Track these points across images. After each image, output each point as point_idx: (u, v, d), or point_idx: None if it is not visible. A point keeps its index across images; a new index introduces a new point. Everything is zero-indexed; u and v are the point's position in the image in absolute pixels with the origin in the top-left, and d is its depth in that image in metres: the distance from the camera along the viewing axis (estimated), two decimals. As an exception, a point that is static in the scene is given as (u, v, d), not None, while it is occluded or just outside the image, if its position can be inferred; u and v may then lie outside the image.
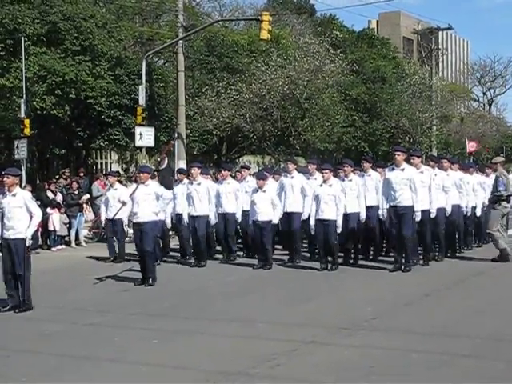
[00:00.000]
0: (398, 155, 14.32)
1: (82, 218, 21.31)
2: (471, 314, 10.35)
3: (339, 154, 42.54)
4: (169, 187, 16.05)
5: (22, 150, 25.60)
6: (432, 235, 15.64)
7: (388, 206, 14.30)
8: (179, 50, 30.45)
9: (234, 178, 18.28)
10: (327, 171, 14.88)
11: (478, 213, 17.59)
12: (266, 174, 16.86)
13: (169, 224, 16.89)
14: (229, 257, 16.82)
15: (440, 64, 75.98)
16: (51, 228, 20.08)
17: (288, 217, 16.23)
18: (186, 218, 16.35)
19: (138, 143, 28.13)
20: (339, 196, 14.59)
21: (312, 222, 14.80)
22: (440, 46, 67.16)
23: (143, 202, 13.64)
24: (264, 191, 15.29)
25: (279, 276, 14.42)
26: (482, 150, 62.18)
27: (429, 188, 14.82)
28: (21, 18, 25.36)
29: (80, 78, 26.71)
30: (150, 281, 13.48)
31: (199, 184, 16.20)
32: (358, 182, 15.56)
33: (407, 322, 9.86)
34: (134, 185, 15.10)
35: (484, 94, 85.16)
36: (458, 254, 16.79)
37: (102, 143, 30.62)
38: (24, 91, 25.19)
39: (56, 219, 20.05)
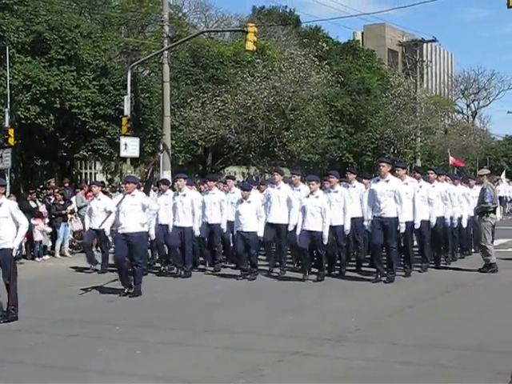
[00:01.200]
0: (383, 166, 14.29)
1: (68, 228, 21.22)
2: (456, 324, 10.37)
3: (324, 165, 42.65)
4: None
5: (6, 160, 25.50)
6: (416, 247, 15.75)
7: (372, 217, 14.27)
8: (165, 60, 30.46)
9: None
10: (314, 182, 14.89)
11: (465, 224, 17.61)
12: (251, 184, 16.88)
13: (153, 235, 16.81)
14: (214, 267, 16.82)
15: (424, 76, 76.39)
16: (36, 238, 20.01)
17: (274, 228, 16.26)
18: (171, 228, 16.35)
19: (123, 153, 28.11)
20: (325, 207, 14.61)
21: (298, 232, 14.80)
22: (424, 58, 67.50)
23: (129, 212, 13.53)
24: (249, 202, 15.30)
25: (264, 287, 14.40)
26: (466, 163, 62.52)
27: (413, 199, 14.67)
28: (5, 26, 25.31)
29: (64, 88, 26.68)
30: (134, 291, 13.44)
31: (184, 195, 16.19)
32: (343, 194, 15.57)
33: (391, 332, 9.87)
34: (120, 195, 15.05)
35: (468, 106, 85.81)
36: (442, 265, 16.82)
37: (86, 153, 30.53)
38: (8, 100, 25.12)
39: (40, 229, 19.98)
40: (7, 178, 25.35)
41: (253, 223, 15.22)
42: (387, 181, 14.19)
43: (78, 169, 35.90)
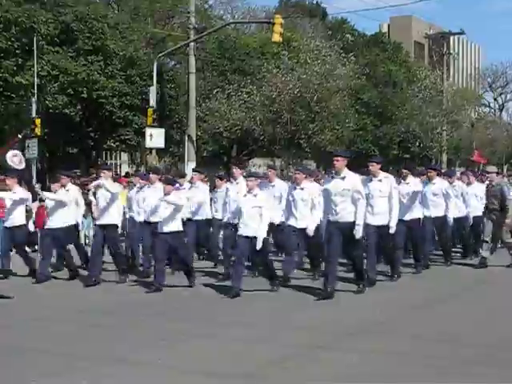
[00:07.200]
0: (338, 161, 12.05)
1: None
2: (479, 320, 10.32)
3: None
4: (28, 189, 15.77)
5: (32, 150, 25.69)
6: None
7: (327, 221, 12.26)
8: (191, 51, 30.57)
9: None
10: (298, 173, 13.95)
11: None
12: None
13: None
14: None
15: (451, 69, 75.87)
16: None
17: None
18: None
19: (149, 144, 28.28)
20: (308, 199, 13.48)
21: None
22: (451, 51, 67.04)
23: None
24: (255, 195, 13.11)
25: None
26: (492, 157, 62.11)
27: (388, 198, 13.09)
28: (35, 18, 25.49)
29: (91, 78, 26.83)
30: None
31: (197, 187, 15.89)
32: (310, 191, 13.78)
33: (415, 327, 9.84)
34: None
35: (495, 99, 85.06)
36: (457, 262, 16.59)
37: (112, 143, 30.72)
38: (35, 91, 25.30)
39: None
40: (33, 167, 25.57)
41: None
42: (343, 178, 12.04)
43: (104, 159, 36.10)
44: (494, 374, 7.57)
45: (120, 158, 38.13)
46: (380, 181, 13.21)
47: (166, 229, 12.93)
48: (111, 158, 37.11)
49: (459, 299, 12.22)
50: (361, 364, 8.02)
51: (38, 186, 17.79)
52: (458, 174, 20.29)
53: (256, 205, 12.47)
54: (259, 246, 12.31)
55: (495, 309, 11.23)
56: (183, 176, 17.48)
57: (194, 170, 17.38)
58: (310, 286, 13.13)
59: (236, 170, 15.54)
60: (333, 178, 12.26)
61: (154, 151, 30.02)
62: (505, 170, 53.55)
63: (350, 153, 14.79)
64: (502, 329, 9.70)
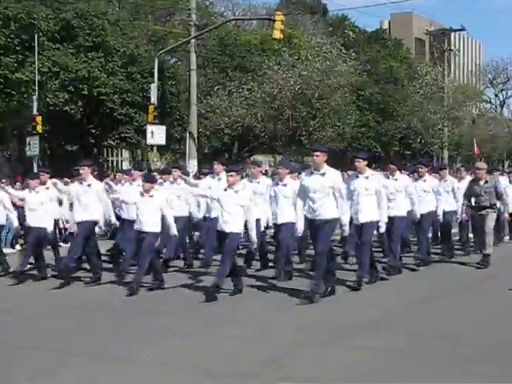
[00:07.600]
0: (317, 156, 11.41)
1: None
2: (479, 319, 10.26)
3: (351, 154, 42.59)
4: None
5: (34, 147, 25.70)
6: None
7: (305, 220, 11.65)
8: (192, 48, 30.56)
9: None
10: (282, 168, 13.89)
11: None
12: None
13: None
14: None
15: (452, 65, 75.81)
16: (61, 225, 20.03)
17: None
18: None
19: (150, 141, 28.28)
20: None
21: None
22: (452, 47, 66.94)
23: None
24: (236, 191, 12.13)
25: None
26: (493, 153, 62.12)
27: (376, 195, 12.48)
28: (35, 14, 25.48)
29: (92, 75, 26.83)
30: None
31: (179, 184, 15.61)
32: (293, 188, 13.16)
33: (413, 325, 9.82)
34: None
35: (496, 95, 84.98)
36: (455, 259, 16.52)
37: (113, 141, 30.73)
38: (36, 88, 25.30)
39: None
40: (35, 165, 25.57)
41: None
42: (323, 174, 11.39)
43: (105, 156, 36.11)
44: (494, 373, 7.54)
45: (121, 155, 38.12)
46: (366, 178, 12.48)
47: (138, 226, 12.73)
48: (112, 155, 37.12)
49: (459, 297, 12.16)
50: (358, 362, 7.99)
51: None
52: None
53: (237, 202, 11.83)
54: (254, 245, 12.32)
55: (495, 307, 11.18)
56: (168, 172, 16.75)
57: (173, 167, 17.04)
58: (305, 283, 13.03)
59: (218, 166, 15.10)
60: (312, 173, 11.52)
61: (155, 148, 30.02)
62: (506, 167, 53.60)
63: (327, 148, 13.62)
64: (502, 328, 9.66)
